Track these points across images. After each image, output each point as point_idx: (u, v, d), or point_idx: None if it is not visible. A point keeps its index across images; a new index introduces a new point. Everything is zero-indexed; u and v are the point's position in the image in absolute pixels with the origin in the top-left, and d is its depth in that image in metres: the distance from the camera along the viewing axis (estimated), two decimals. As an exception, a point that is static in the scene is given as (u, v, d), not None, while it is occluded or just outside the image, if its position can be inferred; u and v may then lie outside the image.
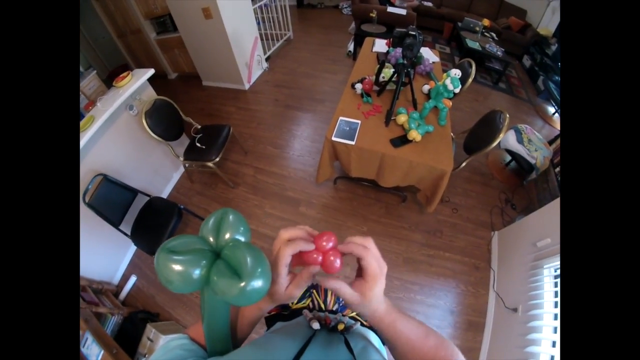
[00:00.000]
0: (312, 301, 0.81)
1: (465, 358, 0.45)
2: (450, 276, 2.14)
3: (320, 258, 0.43)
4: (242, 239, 0.42)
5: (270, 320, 0.80)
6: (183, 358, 0.42)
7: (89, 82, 2.83)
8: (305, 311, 0.68)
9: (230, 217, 0.43)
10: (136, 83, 2.09)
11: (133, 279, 2.25)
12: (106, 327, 1.82)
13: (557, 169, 2.51)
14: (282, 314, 0.80)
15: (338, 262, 0.43)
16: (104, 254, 2.18)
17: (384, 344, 0.80)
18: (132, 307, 2.10)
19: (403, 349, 0.47)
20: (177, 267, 0.35)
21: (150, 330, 1.78)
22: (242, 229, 0.43)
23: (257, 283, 0.35)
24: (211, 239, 0.42)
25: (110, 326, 1.86)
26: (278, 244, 0.44)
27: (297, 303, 0.80)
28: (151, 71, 2.21)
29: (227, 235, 0.41)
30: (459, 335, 1.90)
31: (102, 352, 1.45)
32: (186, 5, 3.13)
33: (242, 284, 0.34)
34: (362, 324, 0.78)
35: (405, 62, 1.79)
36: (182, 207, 2.11)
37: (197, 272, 0.36)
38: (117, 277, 2.28)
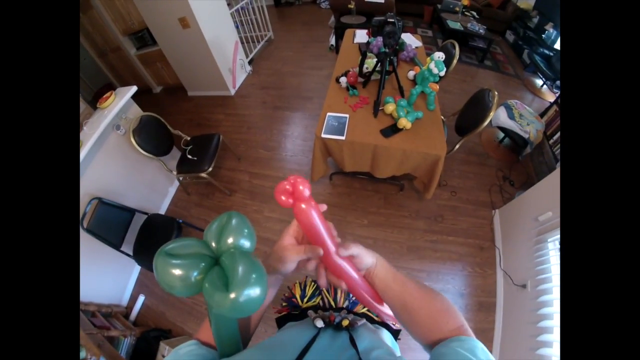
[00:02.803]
0: (322, 299, 0.82)
1: (471, 331, 0.45)
2: (456, 259, 2.14)
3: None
4: (247, 243, 0.41)
5: (281, 321, 0.81)
6: None
7: (73, 106, 2.80)
8: (310, 311, 0.68)
9: (234, 220, 0.42)
10: (120, 102, 2.07)
11: (142, 299, 2.24)
12: (120, 350, 1.82)
13: (552, 141, 2.51)
14: (293, 313, 0.81)
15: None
16: (109, 277, 2.17)
17: (396, 339, 0.79)
18: (144, 326, 2.09)
19: (405, 308, 0.49)
20: (175, 271, 0.34)
21: (164, 347, 1.78)
22: (245, 231, 0.41)
23: (253, 291, 0.33)
24: (213, 244, 0.40)
25: (124, 348, 1.86)
26: None
27: (307, 302, 0.81)
28: (134, 88, 2.18)
29: (230, 240, 0.40)
30: (471, 317, 1.90)
31: (118, 375, 1.45)
32: (162, 17, 3.09)
33: (232, 295, 0.32)
34: (372, 321, 0.78)
35: (387, 50, 1.77)
36: (180, 220, 2.10)
37: (194, 275, 0.34)
38: (126, 298, 2.27)
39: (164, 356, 1.76)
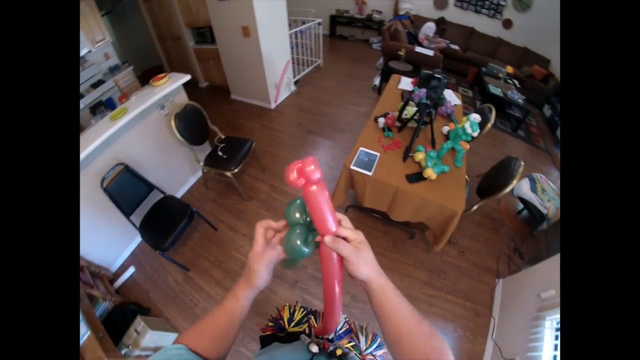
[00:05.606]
0: (309, 327, 0.82)
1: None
2: (450, 319, 2.10)
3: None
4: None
5: (266, 340, 0.81)
6: None
7: (124, 76, 3.01)
8: (303, 336, 0.69)
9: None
10: (172, 85, 2.22)
11: (131, 270, 2.28)
12: (96, 310, 1.83)
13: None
14: (278, 335, 0.81)
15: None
16: (108, 240, 2.22)
17: None
18: (125, 297, 2.11)
19: (398, 326, 0.47)
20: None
21: (139, 322, 1.77)
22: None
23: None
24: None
25: (100, 310, 1.87)
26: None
27: (294, 326, 0.82)
28: (187, 77, 2.33)
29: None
30: (453, 382, 1.84)
31: (89, 332, 1.44)
32: (227, 21, 3.34)
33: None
34: (357, 356, 0.79)
35: (428, 102, 1.86)
36: (194, 210, 2.15)
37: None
38: (116, 265, 2.31)
39: (136, 330, 1.74)
